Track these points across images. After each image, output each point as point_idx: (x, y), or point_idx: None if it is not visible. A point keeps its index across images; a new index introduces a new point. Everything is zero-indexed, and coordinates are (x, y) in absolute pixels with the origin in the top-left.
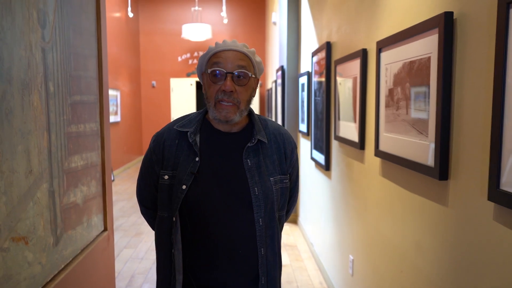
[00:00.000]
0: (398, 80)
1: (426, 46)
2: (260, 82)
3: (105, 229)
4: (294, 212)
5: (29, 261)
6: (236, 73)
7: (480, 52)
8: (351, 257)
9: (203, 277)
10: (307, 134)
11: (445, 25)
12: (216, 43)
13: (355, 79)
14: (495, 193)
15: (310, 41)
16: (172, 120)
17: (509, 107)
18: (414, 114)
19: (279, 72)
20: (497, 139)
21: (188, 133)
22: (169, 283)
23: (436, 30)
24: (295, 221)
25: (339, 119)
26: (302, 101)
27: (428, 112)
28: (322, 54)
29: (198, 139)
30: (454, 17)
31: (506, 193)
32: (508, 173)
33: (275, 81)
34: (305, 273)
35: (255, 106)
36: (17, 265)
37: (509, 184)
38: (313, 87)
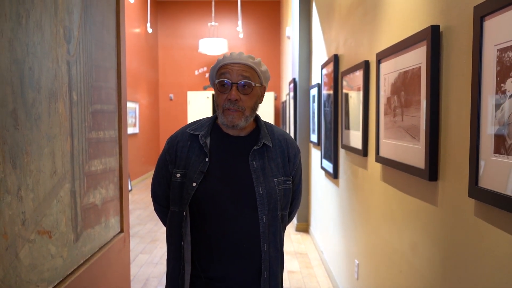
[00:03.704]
0: (394, 89)
1: (417, 57)
2: (275, 94)
3: (122, 230)
4: (305, 221)
5: (52, 253)
6: (241, 82)
7: (462, 62)
8: (356, 261)
9: (209, 268)
10: (317, 144)
11: (432, 38)
12: (224, 56)
13: (359, 89)
14: (474, 190)
15: (320, 54)
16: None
17: (485, 112)
18: (408, 120)
19: (292, 85)
20: (475, 141)
21: (199, 136)
22: (178, 274)
23: (425, 42)
24: (306, 230)
25: (346, 128)
26: (313, 112)
27: (419, 118)
28: (331, 66)
29: (208, 141)
30: (440, 30)
31: (483, 190)
32: (484, 172)
33: (288, 94)
34: (314, 280)
35: (270, 118)
36: (41, 256)
37: (486, 182)
38: (323, 98)
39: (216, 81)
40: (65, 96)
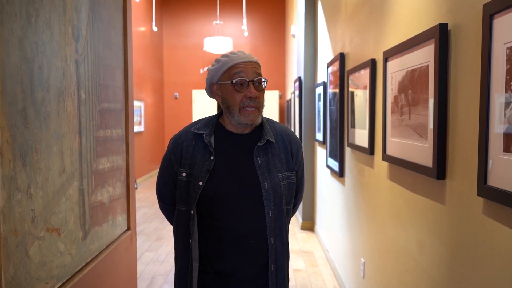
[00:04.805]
0: (401, 87)
1: (425, 55)
2: (280, 93)
3: (129, 228)
4: (311, 220)
5: (61, 251)
6: (259, 80)
7: (470, 61)
8: (362, 260)
9: (217, 264)
10: (323, 143)
11: (440, 36)
12: (229, 56)
13: (365, 88)
14: (483, 189)
15: (325, 53)
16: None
17: (494, 110)
18: (415, 119)
19: (297, 83)
20: (484, 139)
21: (204, 135)
22: (186, 271)
23: (433, 40)
24: (311, 229)
25: (352, 126)
26: (319, 111)
27: (427, 116)
28: (336, 65)
29: (212, 140)
30: (449, 28)
31: (492, 188)
32: (493, 170)
33: (294, 92)
34: (320, 278)
35: (275, 116)
36: (50, 253)
37: (495, 180)
38: (329, 97)
39: (234, 80)
40: (73, 94)
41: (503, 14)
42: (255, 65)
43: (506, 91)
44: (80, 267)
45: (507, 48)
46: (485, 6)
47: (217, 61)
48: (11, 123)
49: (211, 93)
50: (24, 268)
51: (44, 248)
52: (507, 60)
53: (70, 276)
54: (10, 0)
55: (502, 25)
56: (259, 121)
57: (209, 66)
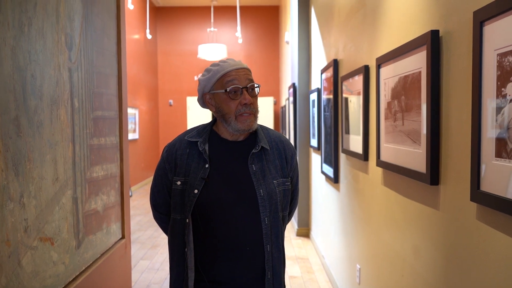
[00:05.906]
0: (395, 93)
1: (417, 62)
2: (274, 99)
3: (123, 236)
4: (306, 226)
5: (54, 260)
6: (253, 85)
7: (462, 67)
8: (358, 266)
9: (213, 272)
10: (317, 149)
11: (432, 42)
12: (220, 64)
13: (359, 94)
14: (476, 194)
15: (319, 59)
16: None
17: (485, 116)
18: (409, 124)
19: (291, 90)
20: (476, 145)
21: (198, 143)
22: (182, 280)
23: (425, 47)
24: (307, 235)
25: (346, 132)
26: (313, 117)
27: (420, 122)
28: (330, 71)
29: (207, 147)
30: (440, 35)
31: (485, 194)
32: (486, 176)
33: (288, 98)
34: (315, 285)
35: (269, 123)
36: (43, 263)
37: (487, 186)
38: (323, 103)
39: (228, 89)
40: (66, 103)
41: (493, 21)
42: (247, 71)
43: (497, 97)
44: (74, 276)
45: (498, 55)
46: (475, 13)
47: (208, 70)
48: (4, 132)
49: (203, 103)
50: (17, 279)
51: (37, 257)
52: (497, 66)
53: (63, 286)
54: (3, 9)
55: (492, 31)
56: (255, 126)
57: (199, 75)
